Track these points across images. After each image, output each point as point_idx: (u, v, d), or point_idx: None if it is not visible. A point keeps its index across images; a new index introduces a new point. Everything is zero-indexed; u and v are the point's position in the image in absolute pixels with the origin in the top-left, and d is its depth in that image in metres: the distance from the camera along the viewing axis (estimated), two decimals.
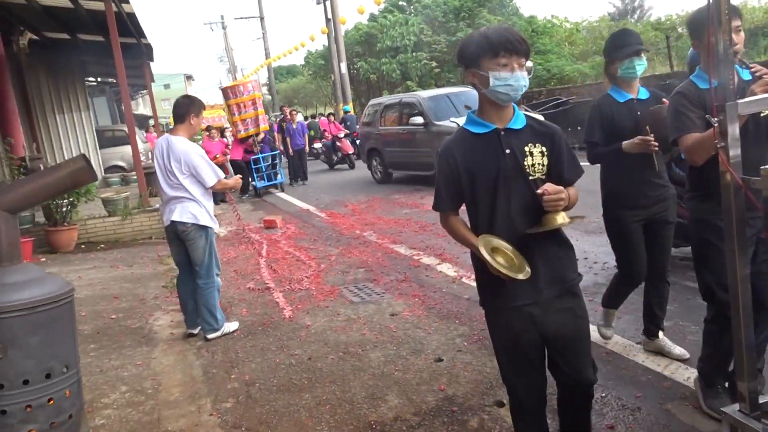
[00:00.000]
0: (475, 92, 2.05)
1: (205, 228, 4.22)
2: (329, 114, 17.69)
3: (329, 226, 8.49)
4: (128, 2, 9.25)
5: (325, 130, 17.43)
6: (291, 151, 14.42)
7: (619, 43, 3.03)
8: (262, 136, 13.53)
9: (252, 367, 3.71)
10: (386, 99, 13.98)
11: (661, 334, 3.32)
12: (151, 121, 24.69)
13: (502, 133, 1.97)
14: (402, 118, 12.12)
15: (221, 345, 4.15)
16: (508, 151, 1.95)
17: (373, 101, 14.47)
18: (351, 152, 16.05)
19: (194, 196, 4.18)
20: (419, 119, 11.20)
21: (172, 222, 4.19)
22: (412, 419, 2.91)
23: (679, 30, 32.19)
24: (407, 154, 11.86)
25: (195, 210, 4.19)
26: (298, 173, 14.60)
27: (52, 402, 2.35)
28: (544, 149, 1.97)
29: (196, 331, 4.37)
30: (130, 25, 10.55)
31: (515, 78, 1.88)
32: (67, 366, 2.42)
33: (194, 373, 3.72)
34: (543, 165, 1.97)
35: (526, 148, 1.96)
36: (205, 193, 4.26)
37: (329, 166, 17.14)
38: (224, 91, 13.68)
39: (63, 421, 2.40)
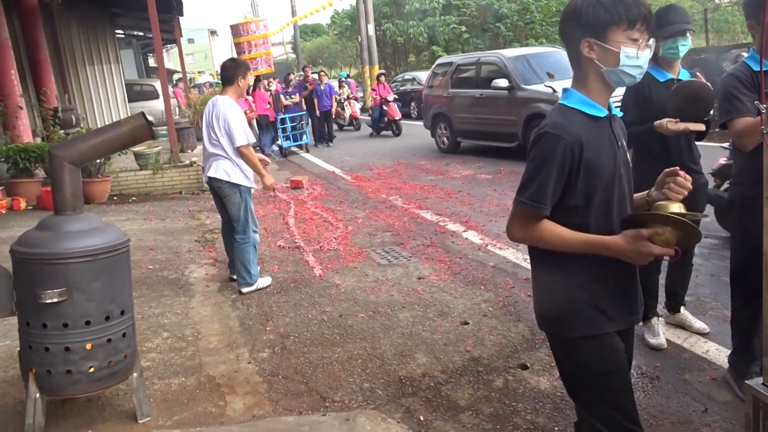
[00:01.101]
0: (559, 56, 1.87)
1: (237, 186, 4.38)
2: (379, 74, 16.44)
3: (355, 189, 8.61)
4: None
5: (374, 89, 16.03)
6: (318, 112, 14.41)
7: (664, 21, 2.91)
8: (274, 86, 13.55)
9: (286, 321, 3.89)
10: (458, 58, 12.29)
11: (682, 308, 3.42)
12: (177, 76, 24.89)
13: (612, 119, 1.70)
14: (479, 80, 10.74)
15: (255, 299, 4.34)
16: (619, 142, 1.70)
17: (441, 60, 12.94)
18: (398, 117, 14.85)
19: (228, 155, 4.33)
20: (503, 82, 9.73)
21: (210, 178, 4.36)
22: (440, 376, 3.07)
23: (717, 1, 31.20)
24: (484, 121, 10.45)
25: (228, 168, 4.34)
26: (323, 134, 14.67)
27: (110, 342, 2.53)
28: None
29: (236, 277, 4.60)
30: None
31: (645, 59, 1.60)
32: (123, 310, 2.60)
33: (231, 323, 3.92)
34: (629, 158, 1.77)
35: (624, 140, 1.75)
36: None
37: (375, 131, 15.58)
38: (234, 27, 13.65)
39: (119, 360, 2.59)
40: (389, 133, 15.08)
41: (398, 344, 3.46)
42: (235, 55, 15.63)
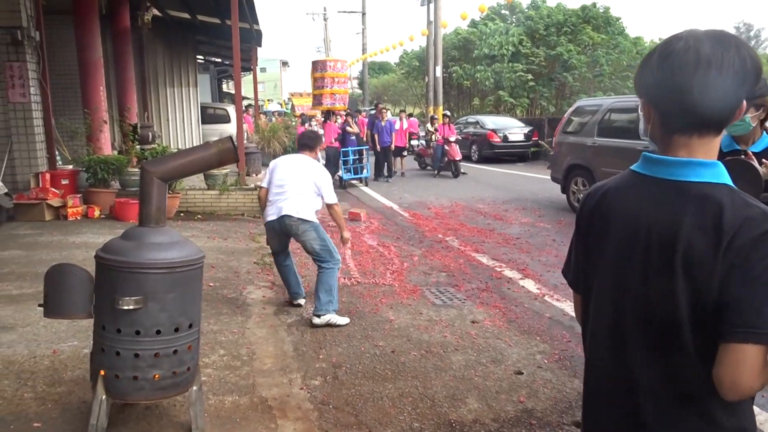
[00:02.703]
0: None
1: (310, 221, 4.54)
2: (444, 115, 16.49)
3: (412, 226, 8.65)
4: None
5: (436, 130, 15.92)
6: (378, 147, 14.67)
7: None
8: (341, 121, 14.06)
9: (339, 351, 3.92)
10: (610, 101, 10.17)
11: None
12: (246, 102, 25.91)
13: None
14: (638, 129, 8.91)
15: (309, 326, 4.40)
16: None
17: (582, 103, 10.96)
18: (458, 158, 14.91)
19: (306, 199, 4.59)
20: None
21: (281, 216, 4.54)
22: (491, 424, 3.02)
23: None
24: None
25: (301, 207, 4.56)
26: (382, 170, 14.88)
27: (176, 353, 2.62)
28: None
29: (302, 302, 4.82)
30: (247, 11, 11.12)
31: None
32: (192, 323, 2.69)
33: (285, 348, 3.98)
34: None
35: None
36: (316, 201, 4.67)
37: (437, 171, 15.46)
38: (317, 63, 14.39)
39: (183, 371, 2.68)
40: (448, 173, 15.13)
41: (450, 386, 3.42)
42: (310, 89, 16.33)
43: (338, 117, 14.64)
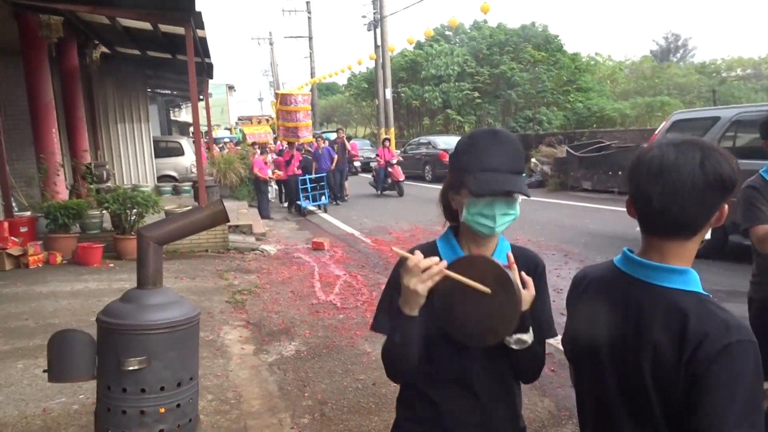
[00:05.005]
0: None
1: None
2: (384, 139, 17.81)
3: (375, 253, 8.89)
4: (203, 28, 9.92)
5: (378, 155, 17.35)
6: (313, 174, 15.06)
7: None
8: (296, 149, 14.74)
9: (323, 387, 4.11)
10: (734, 111, 8.10)
11: None
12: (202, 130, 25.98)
13: None
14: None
15: (291, 364, 4.57)
16: None
17: (683, 115, 9.29)
18: (401, 179, 16.21)
19: None
20: None
21: None
22: None
23: (723, 74, 32.20)
24: None
25: None
26: (337, 194, 15.40)
27: (179, 407, 2.77)
28: None
29: None
30: (200, 47, 11.23)
31: None
32: (192, 377, 2.85)
33: (270, 388, 4.14)
34: None
35: None
36: None
37: (379, 191, 16.91)
38: (282, 96, 15.30)
39: (185, 423, 2.82)
40: (393, 193, 16.47)
41: None
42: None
43: (302, 146, 15.23)
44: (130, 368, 2.64)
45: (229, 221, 3.08)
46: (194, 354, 2.89)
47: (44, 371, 2.76)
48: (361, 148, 24.84)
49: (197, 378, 2.93)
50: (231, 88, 64.99)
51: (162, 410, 2.72)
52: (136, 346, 2.67)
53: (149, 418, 2.70)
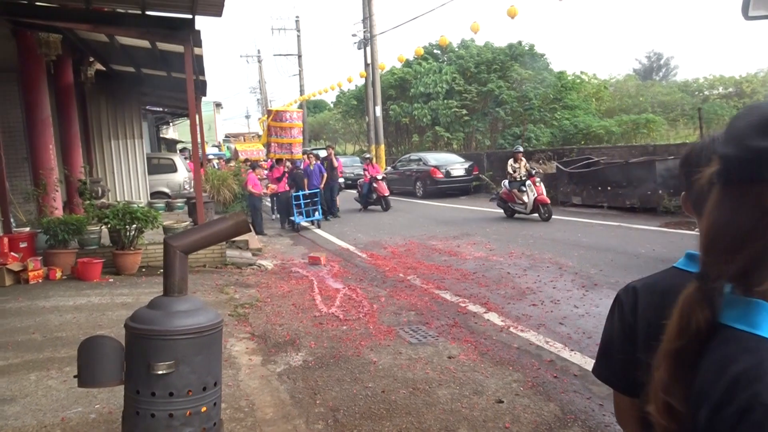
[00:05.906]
0: None
1: None
2: (369, 157, 18.23)
3: (372, 267, 9.01)
4: (201, 46, 10.07)
5: (365, 170, 17.63)
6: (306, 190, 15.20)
7: None
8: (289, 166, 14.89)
9: (333, 395, 4.21)
10: None
11: None
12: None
13: None
14: None
15: (300, 374, 4.66)
16: None
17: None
18: (387, 194, 16.49)
19: None
20: None
21: None
22: None
23: (706, 93, 32.93)
24: None
25: None
26: (332, 209, 15.55)
27: (204, 410, 2.87)
28: None
29: None
30: (195, 65, 11.38)
31: None
32: (216, 382, 2.95)
33: (282, 396, 4.23)
34: None
35: None
36: None
37: (363, 206, 17.29)
38: (276, 113, 15.65)
39: (210, 427, 2.92)
40: (377, 207, 16.88)
41: (441, 419, 3.77)
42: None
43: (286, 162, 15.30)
44: (159, 372, 2.74)
45: (250, 230, 3.20)
46: (218, 359, 2.99)
47: (74, 377, 2.84)
48: (351, 165, 25.06)
49: (221, 383, 3.02)
50: (218, 105, 65.18)
51: (188, 413, 2.81)
52: (165, 350, 2.77)
53: (177, 421, 2.79)
